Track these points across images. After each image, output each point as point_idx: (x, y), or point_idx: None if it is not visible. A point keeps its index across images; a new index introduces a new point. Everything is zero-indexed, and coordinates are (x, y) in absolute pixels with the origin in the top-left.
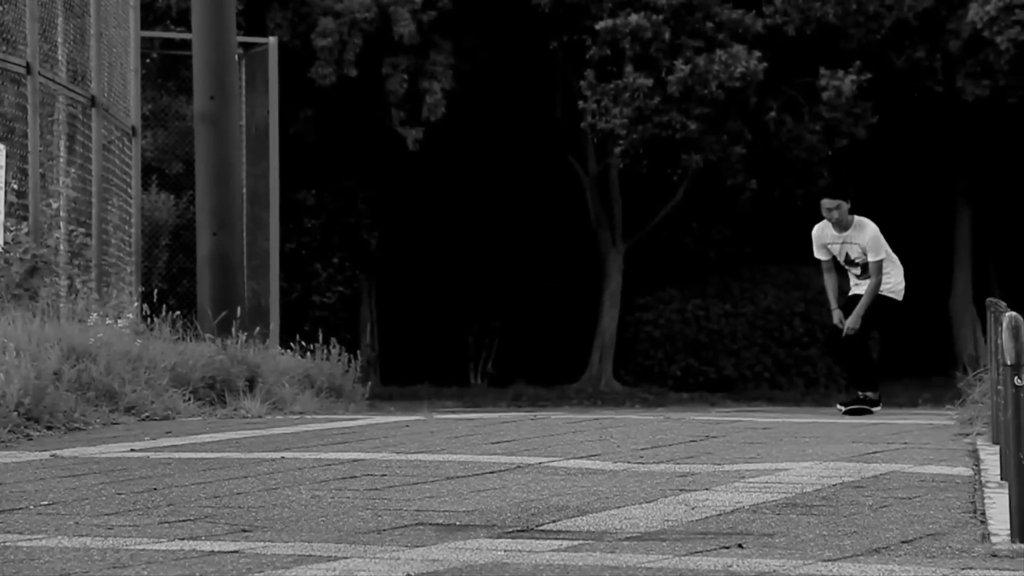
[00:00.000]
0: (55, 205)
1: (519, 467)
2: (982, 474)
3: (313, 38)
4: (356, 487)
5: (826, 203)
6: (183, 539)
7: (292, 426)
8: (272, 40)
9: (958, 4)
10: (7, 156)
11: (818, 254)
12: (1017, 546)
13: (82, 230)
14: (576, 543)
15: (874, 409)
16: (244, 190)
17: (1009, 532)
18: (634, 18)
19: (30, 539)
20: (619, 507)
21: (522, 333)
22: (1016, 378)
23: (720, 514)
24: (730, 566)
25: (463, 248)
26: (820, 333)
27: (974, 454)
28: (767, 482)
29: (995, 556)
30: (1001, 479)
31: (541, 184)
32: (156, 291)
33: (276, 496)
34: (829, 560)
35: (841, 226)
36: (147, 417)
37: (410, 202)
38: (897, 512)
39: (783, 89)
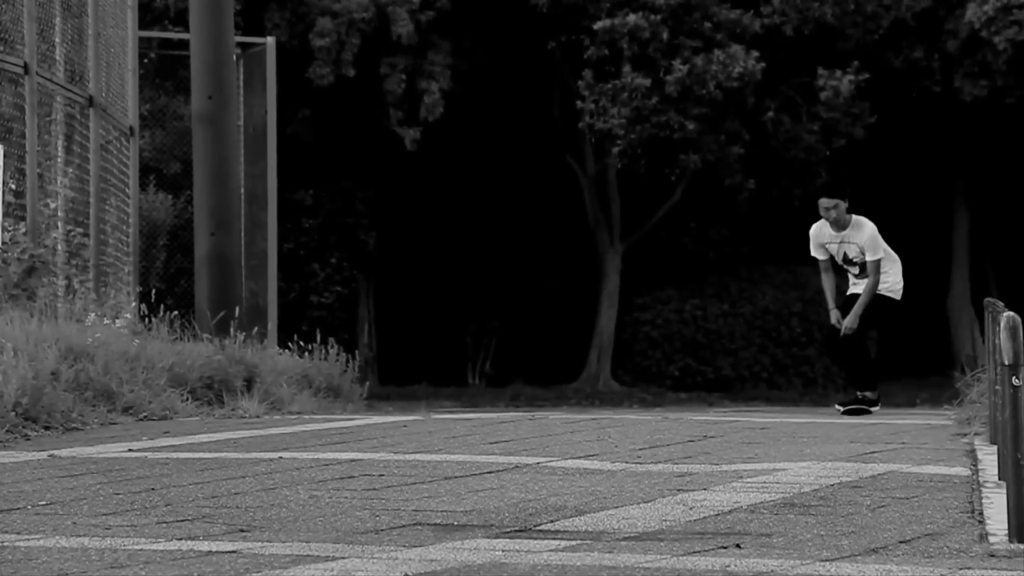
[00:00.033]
0: (53, 205)
1: (517, 467)
2: (980, 474)
3: (311, 38)
4: (354, 487)
5: (824, 202)
6: (181, 539)
7: (290, 426)
8: (270, 40)
9: (956, 4)
10: (5, 156)
11: (815, 253)
12: (1015, 546)
13: (80, 230)
14: (574, 543)
15: (873, 409)
16: (242, 190)
17: (1007, 532)
18: (632, 18)
19: (28, 539)
20: (617, 507)
21: (520, 333)
22: (1014, 378)
23: (718, 514)
24: (728, 566)
25: (461, 248)
26: (818, 333)
27: (972, 454)
28: (765, 482)
29: (993, 556)
30: (999, 479)
31: (539, 184)
32: (154, 291)
33: (274, 496)
34: (827, 560)
35: (839, 225)
36: (145, 417)
37: (408, 202)
38: (895, 512)
39: (781, 89)
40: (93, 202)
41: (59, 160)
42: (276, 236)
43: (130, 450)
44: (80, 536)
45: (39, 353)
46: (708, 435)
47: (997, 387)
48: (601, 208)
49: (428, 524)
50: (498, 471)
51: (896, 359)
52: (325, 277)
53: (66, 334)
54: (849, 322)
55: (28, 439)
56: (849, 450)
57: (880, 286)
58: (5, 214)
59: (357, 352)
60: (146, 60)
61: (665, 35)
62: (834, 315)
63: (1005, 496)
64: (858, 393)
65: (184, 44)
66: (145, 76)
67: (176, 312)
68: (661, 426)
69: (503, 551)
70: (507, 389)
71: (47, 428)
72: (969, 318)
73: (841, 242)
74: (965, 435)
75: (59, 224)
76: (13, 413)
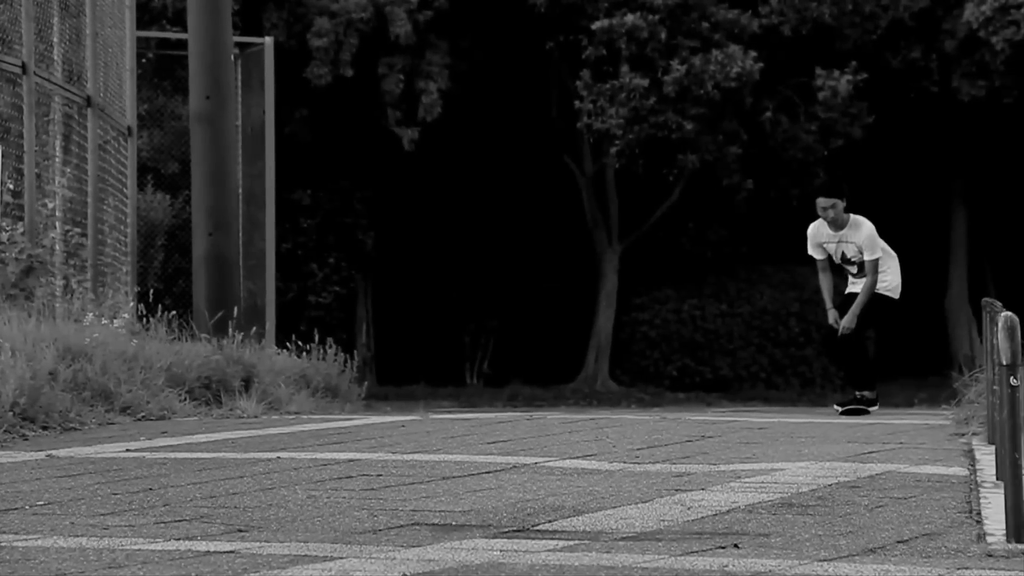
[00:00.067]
0: (51, 205)
1: (515, 467)
2: (978, 474)
3: (309, 38)
4: (352, 487)
5: (821, 202)
6: (179, 539)
7: (288, 426)
8: (268, 40)
9: (954, 4)
10: (3, 156)
11: (813, 253)
12: (1013, 546)
13: (78, 230)
14: (572, 543)
15: (871, 409)
16: (240, 190)
17: (1005, 532)
18: (630, 18)
19: (26, 539)
20: (615, 507)
21: (518, 333)
22: (1012, 378)
23: (716, 514)
24: (726, 566)
25: (459, 248)
26: (816, 333)
27: (970, 454)
28: (763, 482)
29: (991, 556)
30: (997, 479)
31: (537, 184)
32: (152, 291)
33: (272, 496)
34: (825, 560)
35: (836, 225)
36: (143, 417)
37: (406, 202)
38: (893, 512)
39: (779, 89)
40: (91, 202)
41: (57, 160)
42: (274, 236)
43: (128, 450)
44: (78, 536)
45: (37, 353)
46: (706, 435)
47: (995, 387)
48: (599, 208)
49: (426, 524)
50: (496, 471)
51: (894, 359)
52: (323, 277)
53: (64, 334)
54: (847, 322)
55: (26, 439)
56: (847, 450)
57: (878, 285)
58: (3, 214)
59: (355, 352)
60: (144, 60)
61: (663, 35)
62: (831, 315)
63: (1003, 496)
64: (856, 393)
65: (182, 44)
66: (143, 76)
67: (174, 312)
68: (659, 426)
69: (501, 551)
70: (505, 389)
71: (45, 428)
72: (967, 318)
73: (839, 241)
74: (963, 435)
75: (57, 224)
76: (11, 413)
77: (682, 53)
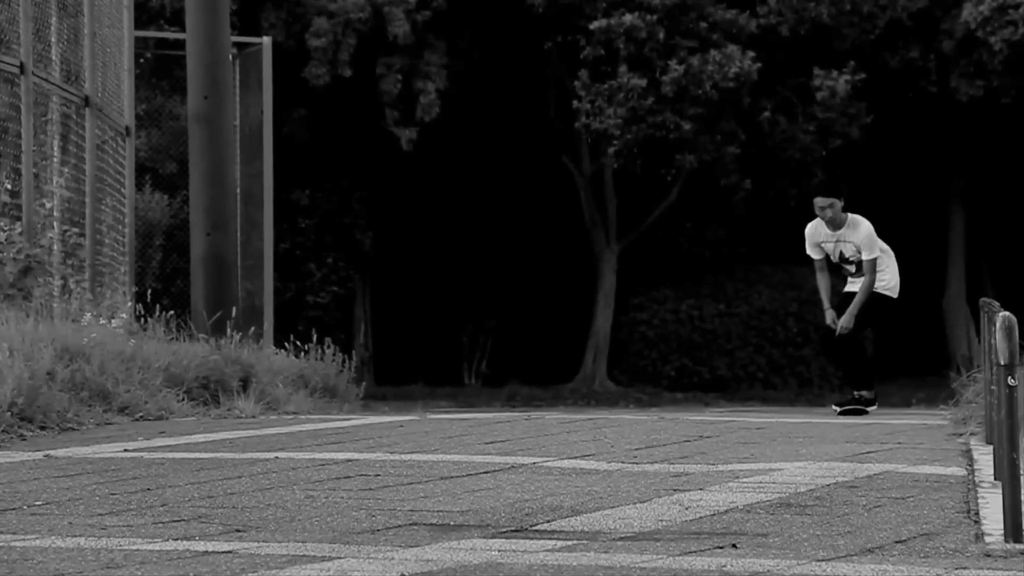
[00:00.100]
0: (49, 205)
1: (513, 467)
2: (976, 474)
3: (307, 38)
4: (350, 487)
5: (819, 201)
6: (177, 539)
7: (286, 426)
8: (266, 40)
9: (952, 4)
10: (1, 156)
11: (811, 252)
12: (1010, 546)
13: (76, 230)
14: (570, 543)
15: (869, 409)
16: (238, 190)
17: (1003, 532)
18: (628, 18)
19: (23, 539)
20: (613, 507)
21: (516, 333)
22: (1009, 378)
23: (714, 514)
24: (724, 566)
25: (457, 248)
26: (814, 333)
27: (968, 454)
28: (761, 482)
29: (988, 556)
30: (995, 479)
31: (535, 184)
32: (150, 291)
33: (270, 496)
34: (823, 560)
35: (835, 224)
36: (141, 417)
37: (404, 202)
38: (891, 512)
39: (777, 89)
40: (89, 202)
41: (55, 160)
42: (272, 236)
43: (126, 450)
44: (76, 536)
45: (35, 353)
46: (704, 435)
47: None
48: (597, 208)
49: (424, 524)
50: (494, 471)
51: (892, 359)
52: (321, 277)
53: (62, 334)
54: (844, 322)
55: (24, 439)
56: (845, 450)
57: (877, 284)
58: (1, 214)
59: (353, 352)
60: (142, 60)
61: (661, 35)
62: (829, 315)
63: (1001, 496)
64: (854, 392)
65: (180, 44)
66: (141, 76)
67: (172, 312)
68: (657, 426)
69: (499, 551)
70: (503, 389)
71: (43, 428)
72: (965, 318)
73: (837, 241)
74: (961, 435)
75: (55, 224)
76: (9, 413)
77: (680, 53)
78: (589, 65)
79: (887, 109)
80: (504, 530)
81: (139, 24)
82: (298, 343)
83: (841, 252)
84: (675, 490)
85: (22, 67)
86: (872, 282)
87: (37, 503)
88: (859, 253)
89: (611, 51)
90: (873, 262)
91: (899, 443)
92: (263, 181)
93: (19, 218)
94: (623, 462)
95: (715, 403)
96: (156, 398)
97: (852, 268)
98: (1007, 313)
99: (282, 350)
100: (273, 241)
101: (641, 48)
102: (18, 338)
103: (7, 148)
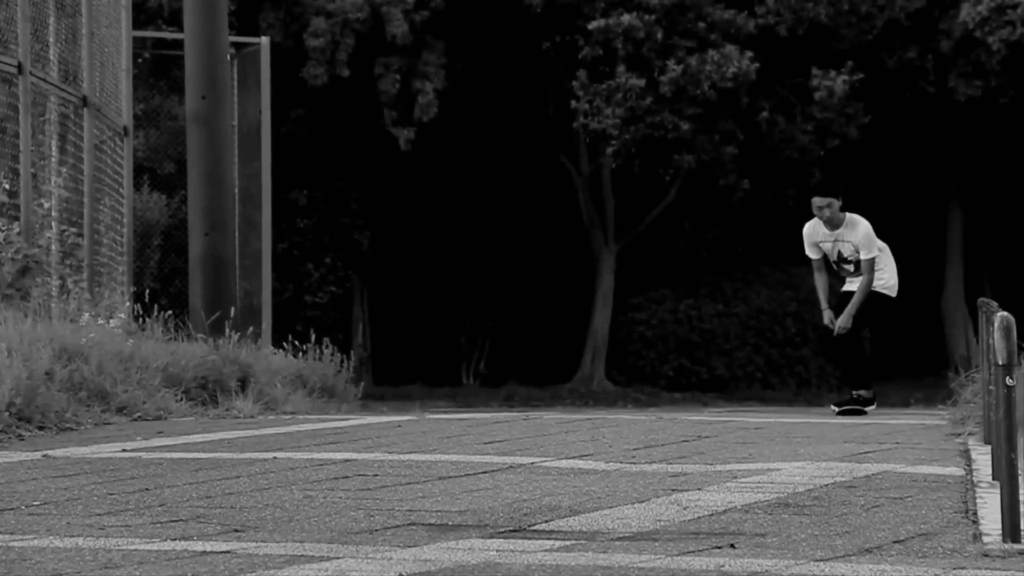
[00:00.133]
0: (47, 205)
1: (511, 467)
2: (974, 474)
3: (305, 38)
4: (348, 487)
5: (817, 201)
6: (175, 539)
7: (284, 426)
8: (264, 40)
9: (950, 4)
10: None
11: (809, 252)
12: (1008, 546)
13: (74, 230)
14: (568, 543)
15: (868, 409)
16: (236, 190)
17: (1001, 532)
18: (626, 18)
19: (22, 539)
20: (611, 507)
21: (514, 333)
22: (1008, 378)
23: (712, 514)
24: (722, 566)
25: (455, 248)
26: (812, 333)
27: (966, 454)
28: (759, 482)
29: (986, 556)
30: (993, 479)
31: (533, 184)
32: (148, 291)
33: (268, 496)
34: (821, 560)
35: (833, 224)
36: (139, 417)
37: (402, 202)
38: (889, 512)
39: (775, 89)
40: (87, 202)
41: (53, 160)
42: (270, 236)
43: (124, 450)
44: (74, 536)
45: (33, 353)
46: (702, 435)
47: (991, 387)
48: (595, 208)
49: (422, 524)
50: (492, 471)
51: (890, 359)
52: (319, 277)
53: (60, 334)
54: (842, 322)
55: (22, 439)
56: (843, 450)
57: (875, 282)
58: None
59: (351, 352)
60: (140, 60)
61: (659, 35)
62: (827, 315)
63: (999, 496)
64: (853, 392)
65: (178, 44)
66: (139, 76)
67: (170, 312)
68: (655, 426)
69: (497, 551)
70: (501, 389)
71: (41, 428)
72: (963, 318)
73: (835, 241)
74: (959, 435)
75: (53, 224)
76: (7, 413)
77: (678, 53)
78: (587, 65)
79: (885, 109)
80: (502, 530)
81: (137, 24)
82: (296, 343)
83: (839, 252)
84: (673, 490)
85: (20, 67)
86: (871, 281)
87: (35, 503)
88: (857, 253)
89: (609, 51)
90: (871, 261)
91: (897, 443)
92: (261, 181)
93: (17, 218)
94: (621, 462)
95: (713, 403)
96: (154, 398)
97: (851, 268)
98: (1005, 313)
99: (280, 350)
100: (271, 241)
101: (639, 48)
102: (16, 338)
103: (5, 148)
